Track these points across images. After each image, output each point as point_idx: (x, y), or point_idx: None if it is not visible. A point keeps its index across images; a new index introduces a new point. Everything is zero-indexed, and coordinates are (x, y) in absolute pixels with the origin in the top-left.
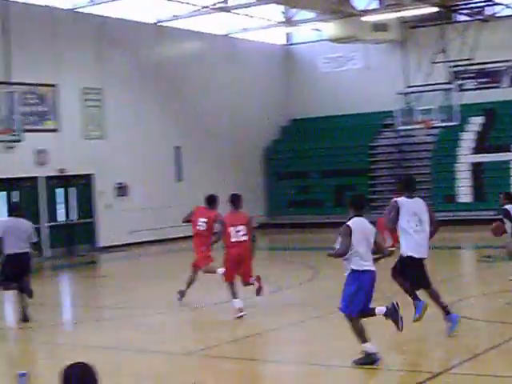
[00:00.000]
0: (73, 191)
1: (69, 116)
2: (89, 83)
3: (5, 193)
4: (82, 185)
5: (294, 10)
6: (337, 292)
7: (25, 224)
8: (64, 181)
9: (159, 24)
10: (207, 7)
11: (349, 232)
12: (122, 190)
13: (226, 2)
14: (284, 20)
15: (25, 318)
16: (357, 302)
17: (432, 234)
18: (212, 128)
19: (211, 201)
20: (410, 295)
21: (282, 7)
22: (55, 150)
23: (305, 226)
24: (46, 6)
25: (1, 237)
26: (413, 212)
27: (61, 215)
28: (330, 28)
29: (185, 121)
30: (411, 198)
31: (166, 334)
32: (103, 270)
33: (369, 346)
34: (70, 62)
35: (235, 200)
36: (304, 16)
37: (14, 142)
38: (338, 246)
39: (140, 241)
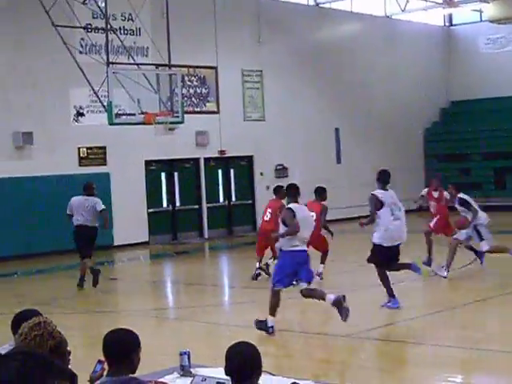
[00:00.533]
0: (233, 173)
1: (229, 98)
2: (248, 65)
3: (164, 174)
4: (242, 166)
5: None
6: (502, 275)
7: (89, 201)
8: (224, 162)
9: (318, 5)
10: None
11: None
12: (281, 171)
13: None
14: (444, 1)
15: (81, 284)
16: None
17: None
18: (370, 110)
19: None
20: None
21: None
22: (215, 132)
23: None
24: None
25: (68, 214)
26: None
27: (221, 196)
28: (490, 8)
29: (343, 103)
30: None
31: (327, 316)
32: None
33: (271, 319)
34: (230, 44)
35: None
36: None
37: (176, 123)
38: None
39: None
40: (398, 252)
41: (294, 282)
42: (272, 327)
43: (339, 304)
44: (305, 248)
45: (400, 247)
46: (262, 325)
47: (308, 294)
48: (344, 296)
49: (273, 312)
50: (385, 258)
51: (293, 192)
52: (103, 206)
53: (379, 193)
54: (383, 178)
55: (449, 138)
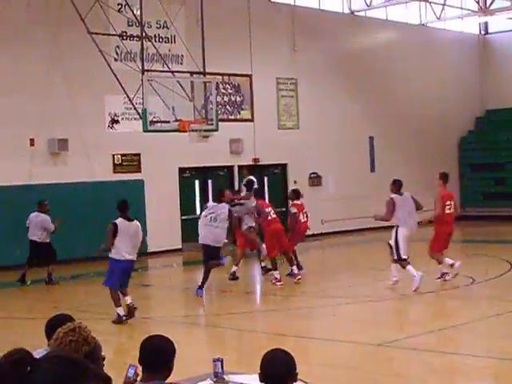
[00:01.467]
0: (266, 181)
1: (263, 106)
2: (283, 73)
3: (198, 181)
4: (276, 174)
5: None
6: None
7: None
8: (258, 170)
9: (353, 13)
10: None
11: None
12: (315, 179)
13: None
14: (479, 9)
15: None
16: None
17: None
18: (405, 118)
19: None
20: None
21: None
22: (249, 140)
23: (499, 218)
24: None
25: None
26: None
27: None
28: None
29: (378, 111)
30: None
31: (357, 324)
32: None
33: (120, 310)
34: (265, 52)
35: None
36: (500, 5)
37: (210, 131)
38: None
39: (332, 231)
40: None
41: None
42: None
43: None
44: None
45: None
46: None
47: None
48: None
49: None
50: None
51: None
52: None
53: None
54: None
55: (484, 146)
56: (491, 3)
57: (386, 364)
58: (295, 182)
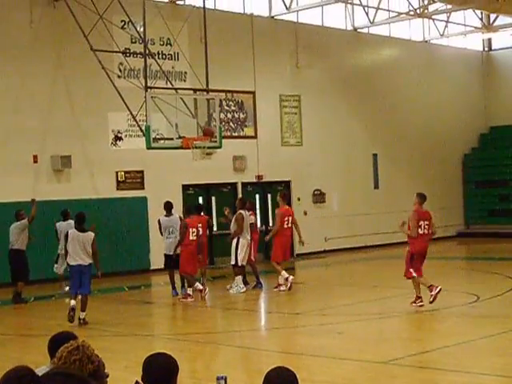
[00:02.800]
0: (270, 198)
1: (266, 122)
2: (286, 90)
3: (201, 198)
4: (280, 191)
5: (493, 16)
6: None
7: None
8: (261, 187)
9: (356, 30)
10: (405, 13)
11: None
12: (318, 196)
13: (426, 8)
14: (483, 25)
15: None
16: None
17: None
18: (408, 135)
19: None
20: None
21: (479, 13)
22: (253, 157)
23: (503, 235)
24: (245, 14)
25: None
26: None
27: (258, 221)
28: None
29: (381, 128)
30: None
31: (362, 342)
32: (299, 277)
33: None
34: (268, 69)
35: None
36: (503, 21)
37: (213, 148)
38: None
39: (335, 248)
40: None
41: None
42: None
43: None
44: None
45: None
46: None
47: None
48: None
49: None
50: None
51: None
52: None
53: None
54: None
55: (488, 163)
56: (494, 20)
57: (389, 382)
58: (299, 199)
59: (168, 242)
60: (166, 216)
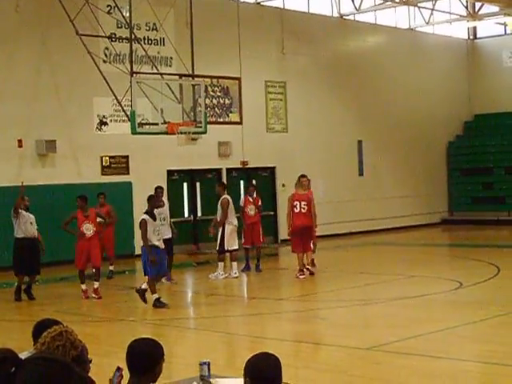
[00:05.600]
0: (255, 183)
1: (252, 109)
2: (272, 76)
3: (186, 184)
4: (264, 177)
5: (478, 4)
6: None
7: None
8: (246, 173)
9: (342, 17)
10: (391, 1)
11: None
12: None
13: None
14: (468, 14)
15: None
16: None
17: None
18: (393, 122)
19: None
20: None
21: (464, 1)
22: (238, 143)
23: (487, 222)
24: (231, 0)
25: None
26: None
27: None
28: None
29: (366, 115)
30: None
31: (346, 328)
32: (283, 263)
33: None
34: (254, 55)
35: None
36: (488, 9)
37: (199, 133)
38: None
39: (320, 234)
40: None
41: None
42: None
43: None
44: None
45: None
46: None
47: None
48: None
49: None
50: None
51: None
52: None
53: None
54: None
55: (472, 151)
56: (480, 8)
57: (373, 368)
58: (283, 185)
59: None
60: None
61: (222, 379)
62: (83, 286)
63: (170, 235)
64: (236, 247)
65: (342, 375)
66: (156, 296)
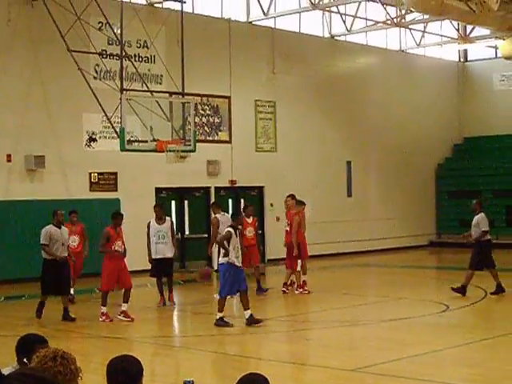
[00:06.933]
0: (243, 203)
1: (241, 128)
2: (262, 96)
3: (174, 202)
4: (253, 197)
5: (470, 27)
6: (507, 314)
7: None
8: (235, 192)
9: (333, 38)
10: (382, 22)
11: None
12: None
13: (403, 18)
14: (459, 36)
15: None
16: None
17: None
18: (383, 143)
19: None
20: None
21: (456, 24)
22: (227, 161)
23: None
24: (222, 18)
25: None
26: None
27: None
28: (505, 46)
29: (356, 136)
30: None
31: (331, 349)
32: (270, 282)
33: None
34: (244, 74)
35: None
36: (479, 32)
37: (187, 152)
38: None
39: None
40: None
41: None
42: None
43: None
44: None
45: None
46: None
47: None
48: None
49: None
50: None
51: None
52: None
53: None
54: None
55: (461, 174)
56: (471, 31)
57: None
58: (271, 204)
59: (160, 248)
60: (157, 223)
61: None
62: (104, 309)
63: (170, 254)
64: None
65: None
66: (220, 315)
